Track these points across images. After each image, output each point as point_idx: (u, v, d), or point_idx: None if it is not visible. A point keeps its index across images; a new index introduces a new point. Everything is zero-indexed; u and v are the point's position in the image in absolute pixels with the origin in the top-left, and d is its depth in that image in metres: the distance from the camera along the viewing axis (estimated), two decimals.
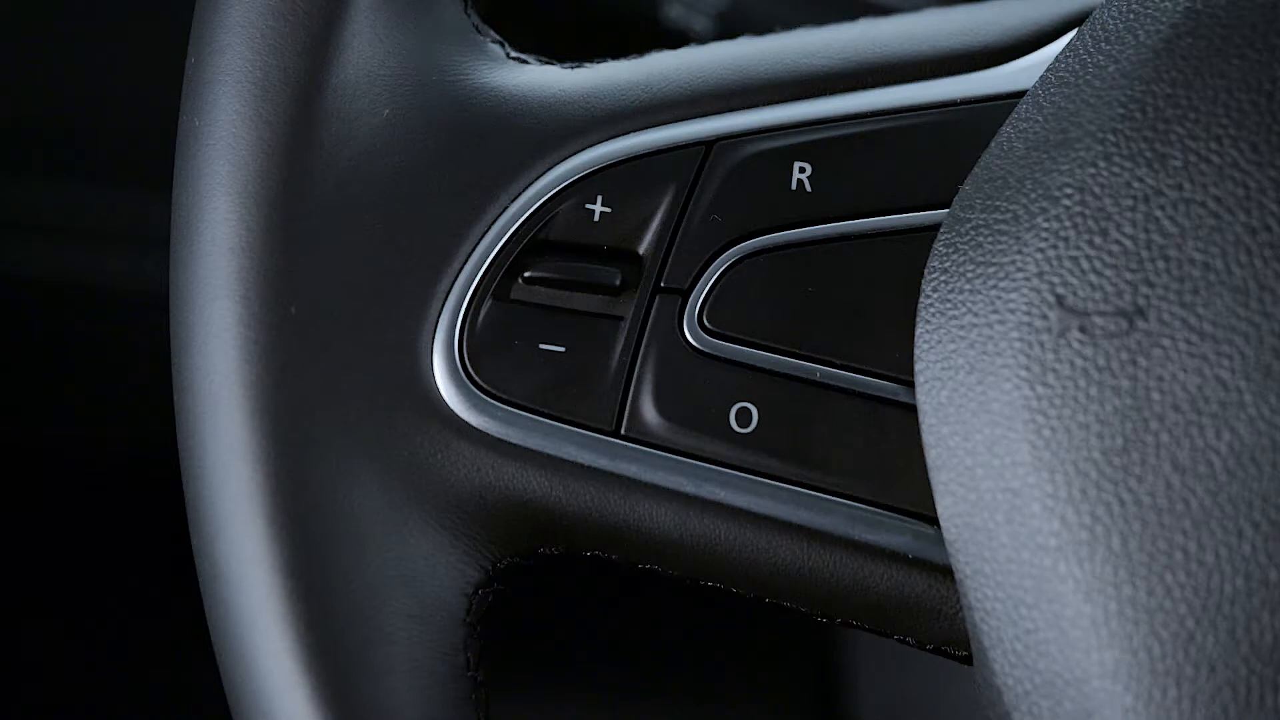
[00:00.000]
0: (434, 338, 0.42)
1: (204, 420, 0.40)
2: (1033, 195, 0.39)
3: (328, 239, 0.42)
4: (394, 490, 0.41)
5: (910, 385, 0.42)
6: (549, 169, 0.44)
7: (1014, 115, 0.42)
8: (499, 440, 0.42)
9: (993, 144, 0.42)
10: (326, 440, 0.41)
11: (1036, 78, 0.43)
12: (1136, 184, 0.38)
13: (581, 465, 0.42)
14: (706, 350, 0.43)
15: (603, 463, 0.42)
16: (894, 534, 0.42)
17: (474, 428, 0.42)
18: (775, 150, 0.44)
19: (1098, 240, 0.38)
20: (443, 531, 0.42)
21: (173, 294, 0.42)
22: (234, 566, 0.40)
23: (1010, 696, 0.38)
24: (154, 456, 0.58)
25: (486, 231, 0.43)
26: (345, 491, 0.41)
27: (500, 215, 0.43)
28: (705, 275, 0.43)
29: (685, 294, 0.43)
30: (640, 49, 0.46)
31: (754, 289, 0.43)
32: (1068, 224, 0.38)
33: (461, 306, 0.43)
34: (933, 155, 0.44)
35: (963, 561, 0.39)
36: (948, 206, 0.42)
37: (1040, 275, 0.38)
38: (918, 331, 0.41)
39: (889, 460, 0.42)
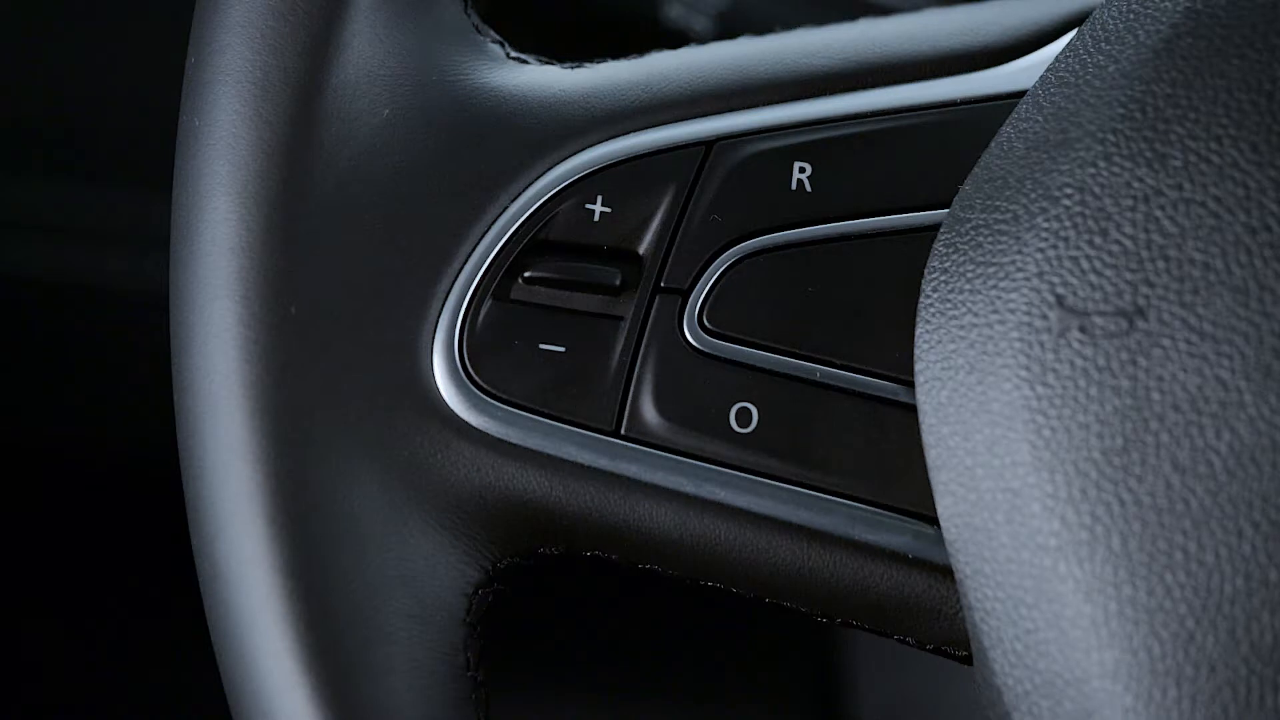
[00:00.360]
0: (434, 338, 0.42)
1: (204, 420, 0.40)
2: (1033, 195, 0.39)
3: (328, 239, 0.42)
4: (394, 490, 0.41)
5: (910, 385, 0.42)
6: (549, 169, 0.44)
7: (1014, 115, 0.42)
8: (499, 440, 0.42)
9: (993, 144, 0.42)
10: (326, 440, 0.41)
11: (1036, 78, 0.43)
12: (1136, 184, 0.38)
13: (581, 465, 0.42)
14: (706, 350, 0.43)
15: (603, 463, 0.42)
16: (894, 534, 0.42)
17: (474, 428, 0.42)
18: (775, 150, 0.44)
19: (1098, 240, 0.38)
20: (443, 531, 0.42)
21: (173, 294, 0.42)
22: (234, 566, 0.40)
23: (1010, 696, 0.38)
24: (154, 456, 0.58)
25: (486, 231, 0.43)
26: (345, 491, 0.41)
27: (500, 215, 0.43)
28: (705, 275, 0.43)
29: (685, 294, 0.43)
30: (640, 49, 0.46)
31: (754, 289, 0.43)
32: (1068, 224, 0.38)
33: (461, 306, 0.43)
34: (933, 155, 0.44)
35: (963, 561, 0.39)
36: (948, 206, 0.42)
37: (1040, 275, 0.38)
38: (918, 331, 0.41)
39: (889, 460, 0.42)
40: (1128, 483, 0.36)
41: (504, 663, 0.45)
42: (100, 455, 0.96)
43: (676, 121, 0.44)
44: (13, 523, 0.96)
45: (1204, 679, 0.35)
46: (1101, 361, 0.37)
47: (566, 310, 0.43)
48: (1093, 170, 0.39)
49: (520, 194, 0.43)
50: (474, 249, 0.43)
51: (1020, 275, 0.39)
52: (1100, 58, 0.41)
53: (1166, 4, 0.40)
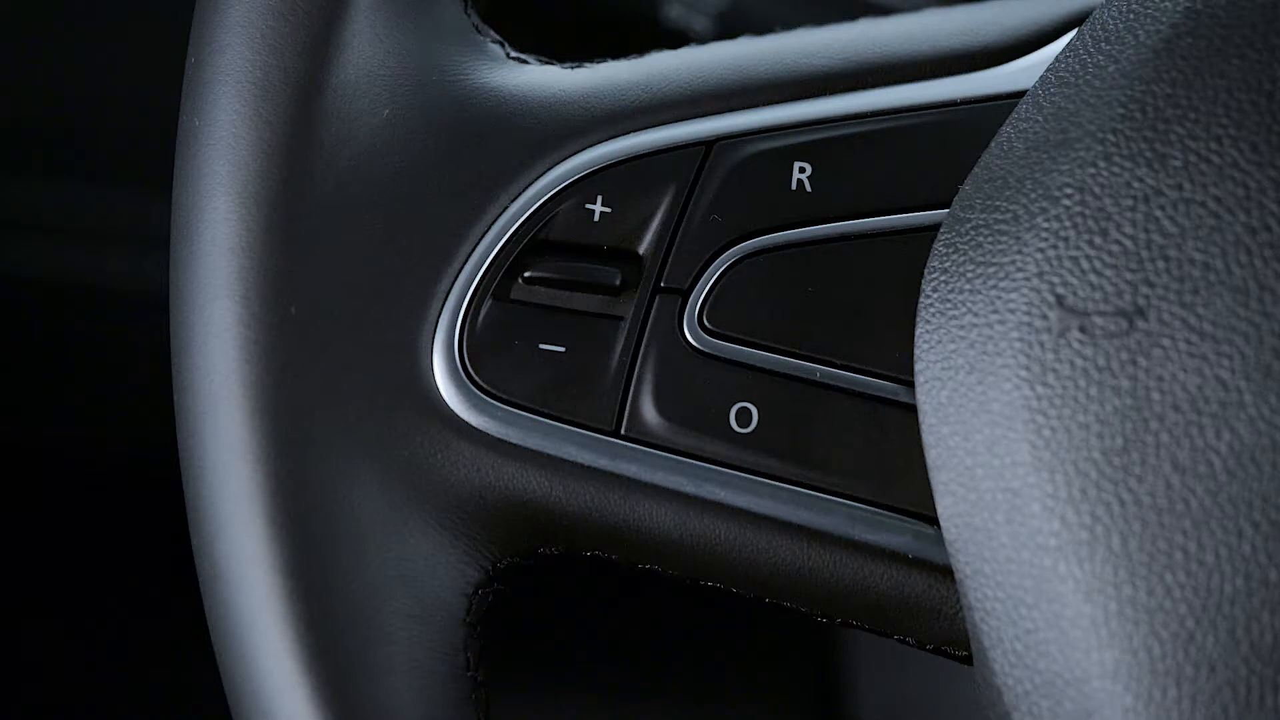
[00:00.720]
0: (434, 338, 0.42)
1: (204, 420, 0.40)
2: (1033, 195, 0.39)
3: (328, 239, 0.42)
4: (394, 490, 0.41)
5: (910, 385, 0.42)
6: (549, 169, 0.44)
7: (1014, 115, 0.42)
8: (499, 440, 0.42)
9: (993, 144, 0.42)
10: (326, 440, 0.41)
11: (1036, 78, 0.43)
12: (1136, 184, 0.38)
13: (581, 465, 0.42)
14: (706, 350, 0.43)
15: (603, 463, 0.42)
16: (894, 534, 0.42)
17: (474, 428, 0.42)
18: (775, 150, 0.44)
19: (1098, 240, 0.38)
20: (443, 531, 0.42)
21: (173, 294, 0.42)
22: (234, 566, 0.40)
23: (1010, 696, 0.38)
24: (154, 456, 0.58)
25: (486, 231, 0.43)
26: (345, 491, 0.41)
27: (500, 215, 0.43)
28: (705, 275, 0.43)
29: (685, 294, 0.43)
30: (640, 49, 0.46)
31: (754, 289, 0.43)
32: (1068, 224, 0.38)
33: (461, 306, 0.43)
34: (933, 155, 0.44)
35: (963, 561, 0.39)
36: (948, 206, 0.42)
37: (1040, 275, 0.38)
38: (918, 331, 0.41)
39: (889, 460, 0.42)
40: (1128, 483, 0.36)
41: (504, 663, 0.45)
42: (100, 455, 0.96)
43: (676, 121, 0.44)
44: (13, 523, 0.96)
45: (1204, 679, 0.35)
46: (1101, 361, 0.37)
47: (566, 310, 0.43)
48: (1093, 170, 0.39)
49: (520, 194, 0.43)
50: (474, 249, 0.43)
51: (1020, 275, 0.39)
52: (1100, 58, 0.41)
53: (1166, 4, 0.40)
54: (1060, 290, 0.38)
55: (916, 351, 0.41)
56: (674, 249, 0.43)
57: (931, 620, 0.42)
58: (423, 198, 0.43)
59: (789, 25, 0.48)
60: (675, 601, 0.84)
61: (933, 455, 0.40)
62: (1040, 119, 0.41)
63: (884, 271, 0.43)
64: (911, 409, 0.42)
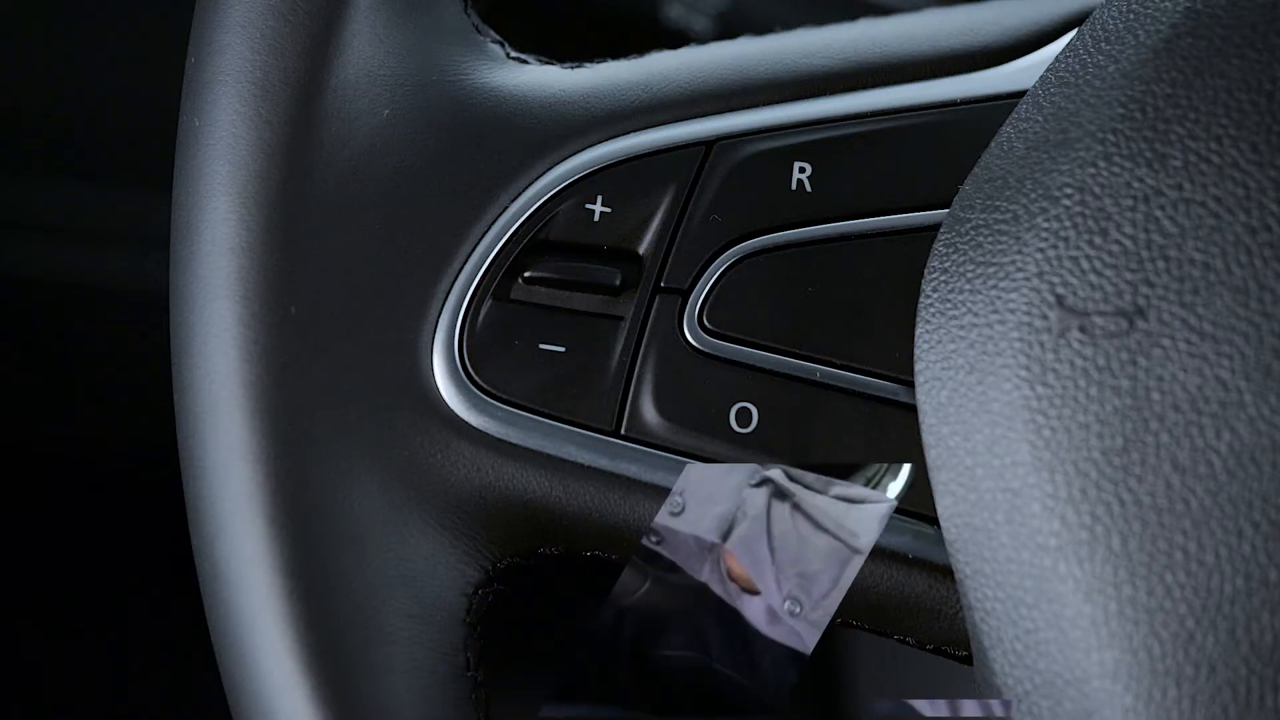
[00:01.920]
0: (434, 338, 0.42)
1: (204, 420, 0.40)
2: (1033, 195, 0.39)
3: (328, 239, 0.42)
4: (394, 490, 0.41)
5: (910, 385, 0.42)
6: (549, 169, 0.44)
7: (1014, 115, 0.42)
8: (499, 440, 0.42)
9: (993, 144, 0.42)
10: (326, 440, 0.41)
11: (1036, 78, 0.43)
12: (1136, 184, 0.38)
13: (581, 465, 0.42)
14: (706, 350, 0.43)
15: (603, 463, 0.42)
16: (894, 534, 0.42)
17: (474, 428, 0.42)
18: (775, 150, 0.44)
19: (1098, 240, 0.38)
20: (443, 531, 0.42)
21: (173, 294, 0.42)
22: (234, 566, 0.40)
23: (1010, 696, 0.38)
24: (154, 456, 0.58)
25: (486, 231, 0.43)
26: (345, 491, 0.41)
27: (500, 215, 0.43)
28: (705, 275, 0.43)
29: (685, 294, 0.43)
30: (640, 49, 0.46)
31: (754, 289, 0.43)
32: (1068, 224, 0.38)
33: (461, 306, 0.43)
34: (933, 155, 0.44)
35: (963, 561, 0.39)
36: (948, 206, 0.42)
37: (1040, 275, 0.38)
38: (918, 331, 0.41)
39: (889, 460, 0.42)
40: (1128, 483, 0.36)
41: (504, 663, 0.45)
42: (100, 455, 0.96)
43: (676, 121, 0.44)
44: (13, 523, 0.96)
45: (1204, 679, 0.35)
46: (1101, 361, 0.37)
47: (566, 310, 0.43)
48: (1093, 170, 0.39)
49: (520, 194, 0.43)
50: (474, 249, 0.43)
51: (1020, 275, 0.39)
52: (1100, 58, 0.41)
53: (1166, 4, 0.40)
54: (1060, 290, 0.38)
55: (916, 351, 0.41)
56: (674, 249, 0.43)
57: (931, 620, 0.42)
58: (423, 198, 0.43)
59: (789, 25, 0.48)
60: None
61: (933, 455, 0.40)
62: (1040, 119, 0.41)
63: (884, 271, 0.43)
64: (911, 409, 0.42)
